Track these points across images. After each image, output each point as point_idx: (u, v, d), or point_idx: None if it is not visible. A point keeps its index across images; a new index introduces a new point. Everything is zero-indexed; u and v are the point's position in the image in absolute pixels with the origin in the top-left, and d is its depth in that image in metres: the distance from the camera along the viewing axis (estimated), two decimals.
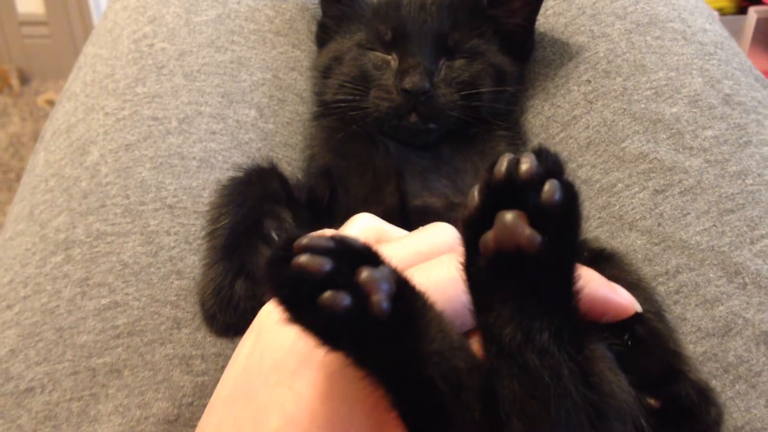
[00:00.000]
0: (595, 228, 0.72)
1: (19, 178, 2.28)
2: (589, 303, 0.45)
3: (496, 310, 0.41)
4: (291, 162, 0.80)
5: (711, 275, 0.65)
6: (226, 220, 0.65)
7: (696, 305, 0.64)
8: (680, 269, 0.66)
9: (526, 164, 0.39)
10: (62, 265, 0.68)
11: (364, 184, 0.71)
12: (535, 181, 0.38)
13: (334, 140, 0.76)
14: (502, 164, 0.39)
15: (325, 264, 0.37)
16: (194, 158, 0.75)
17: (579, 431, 0.40)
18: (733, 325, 0.63)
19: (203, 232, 0.68)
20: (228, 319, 0.62)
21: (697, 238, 0.67)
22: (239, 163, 0.76)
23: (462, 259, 0.43)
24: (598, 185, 0.74)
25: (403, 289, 0.41)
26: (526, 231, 0.38)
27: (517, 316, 0.40)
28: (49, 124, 0.85)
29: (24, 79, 2.68)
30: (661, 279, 0.67)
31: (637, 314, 0.53)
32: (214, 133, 0.77)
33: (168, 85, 0.79)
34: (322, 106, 0.81)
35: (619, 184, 0.73)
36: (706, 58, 0.79)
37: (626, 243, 0.70)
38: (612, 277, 0.59)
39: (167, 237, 0.69)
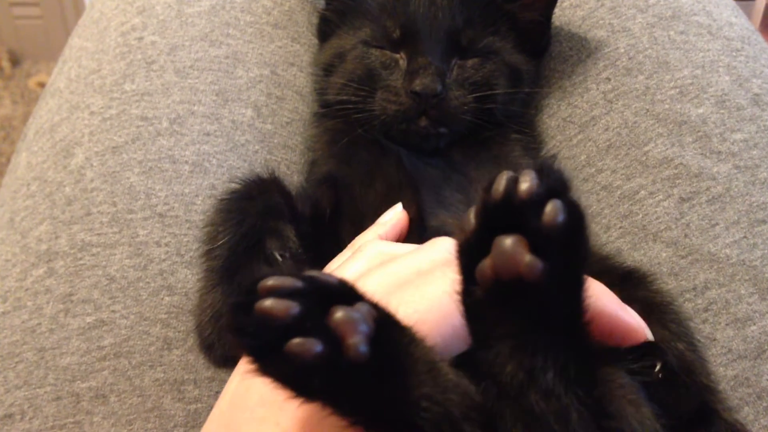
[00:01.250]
0: (616, 238, 0.67)
1: (9, 162, 2.24)
2: (596, 319, 0.41)
3: (495, 346, 0.37)
4: (290, 165, 0.75)
5: (742, 292, 0.61)
6: (225, 240, 0.59)
7: (726, 324, 0.60)
8: (709, 285, 0.62)
9: (526, 183, 0.35)
10: (44, 279, 0.63)
11: (372, 195, 0.66)
12: (536, 202, 0.35)
13: (337, 144, 0.71)
14: (500, 183, 0.36)
15: (291, 307, 0.34)
16: (186, 162, 0.69)
17: None
18: (766, 347, 0.58)
19: (200, 252, 0.63)
20: (226, 349, 0.57)
21: (727, 251, 0.63)
22: (235, 167, 0.71)
23: (458, 289, 0.39)
24: (619, 192, 0.69)
25: (384, 328, 0.37)
26: (527, 258, 0.34)
27: (519, 353, 0.36)
28: (32, 121, 0.80)
29: (15, 61, 2.62)
30: (688, 295, 0.62)
31: (669, 344, 0.49)
32: (207, 134, 0.72)
33: (158, 82, 0.74)
34: (325, 105, 0.76)
35: (642, 191, 0.68)
36: (734, 54, 0.74)
37: (650, 255, 0.65)
38: (642, 300, 0.54)
39: (157, 248, 0.64)
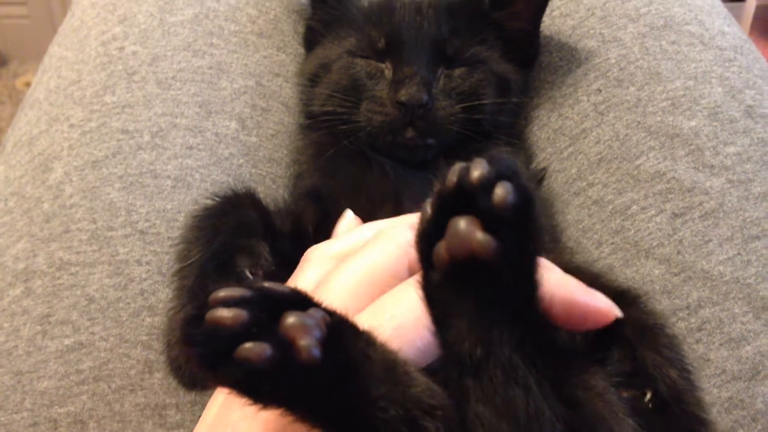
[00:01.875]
0: (608, 255, 0.66)
1: None
2: (567, 309, 0.43)
3: (455, 325, 0.39)
4: (276, 179, 0.73)
5: (736, 310, 0.60)
6: (195, 257, 0.57)
7: (720, 344, 0.59)
8: (702, 303, 0.61)
9: (477, 170, 0.37)
10: (21, 299, 0.62)
11: (357, 210, 0.64)
12: (487, 186, 0.36)
13: (323, 157, 0.69)
14: (454, 172, 0.37)
15: (240, 315, 0.35)
16: (169, 177, 0.68)
17: None
18: (761, 368, 0.57)
19: (171, 271, 0.61)
20: (193, 370, 0.55)
21: (720, 268, 0.62)
22: (219, 181, 0.69)
23: (419, 278, 0.41)
24: (610, 207, 0.68)
25: (338, 332, 0.37)
26: (479, 236, 0.36)
27: (476, 328, 0.38)
28: (10, 133, 0.78)
29: (2, 61, 2.60)
30: (681, 314, 0.61)
31: (660, 370, 0.48)
32: (190, 148, 0.70)
33: (140, 93, 0.72)
34: (310, 117, 0.74)
35: (634, 206, 0.67)
36: (726, 65, 0.73)
37: (643, 272, 0.64)
38: (634, 322, 0.53)
39: (138, 267, 0.63)
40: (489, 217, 0.36)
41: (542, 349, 0.38)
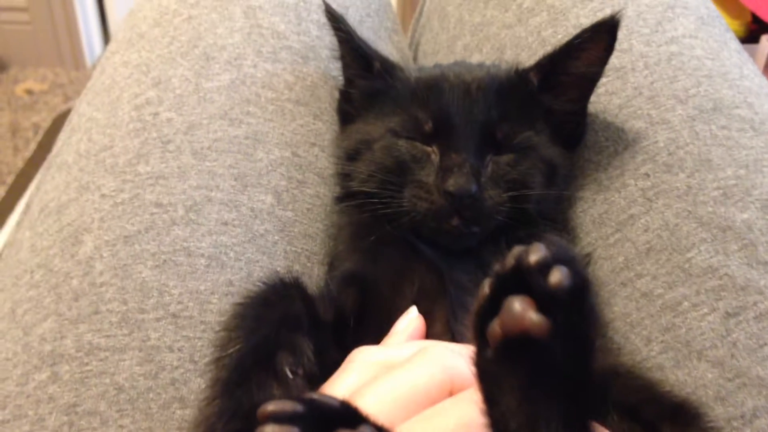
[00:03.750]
0: (657, 354, 0.63)
1: None
2: None
3: (504, 402, 0.40)
4: (311, 256, 0.71)
5: None
6: (234, 349, 0.54)
7: None
8: (758, 413, 0.58)
9: (535, 254, 0.39)
10: (47, 385, 0.59)
11: (401, 300, 0.62)
12: (544, 269, 0.38)
13: (362, 239, 0.67)
14: (512, 255, 0.40)
15: None
16: (202, 255, 0.65)
17: None
18: None
19: (209, 359, 0.58)
20: None
21: None
22: (254, 260, 0.67)
23: (473, 355, 0.42)
24: (660, 301, 0.65)
25: None
26: (532, 315, 0.38)
27: (525, 406, 0.39)
28: (36, 195, 0.75)
29: (2, 67, 2.60)
30: (735, 423, 0.58)
31: None
32: (225, 223, 0.68)
33: (174, 164, 0.70)
34: (348, 193, 0.72)
35: (686, 303, 0.64)
36: None
37: (695, 375, 0.61)
38: None
39: (170, 354, 0.60)
40: (544, 299, 0.38)
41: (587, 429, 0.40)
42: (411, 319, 0.58)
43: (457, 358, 0.49)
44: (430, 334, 0.59)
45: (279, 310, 0.57)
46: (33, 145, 2.35)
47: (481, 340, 0.41)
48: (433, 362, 0.49)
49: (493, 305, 0.40)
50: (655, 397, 0.56)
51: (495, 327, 0.39)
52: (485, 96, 0.68)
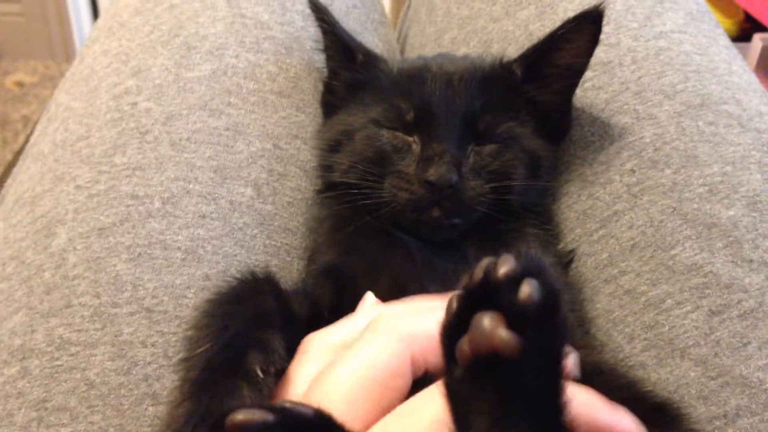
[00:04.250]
0: (640, 351, 0.63)
1: None
2: (591, 428, 0.43)
3: (474, 425, 0.38)
4: (291, 251, 0.69)
5: None
6: (203, 348, 0.52)
7: None
8: (740, 412, 0.57)
9: (504, 266, 0.37)
10: (17, 380, 0.58)
11: (377, 292, 0.60)
12: (513, 283, 0.37)
13: (341, 231, 0.66)
14: (480, 268, 0.38)
15: None
16: (179, 248, 0.64)
17: None
18: None
19: (178, 359, 0.57)
20: None
21: (760, 374, 0.58)
22: (231, 254, 0.65)
23: (444, 375, 0.40)
24: (644, 299, 0.64)
25: None
26: (502, 332, 0.36)
27: (496, 428, 0.38)
28: (11, 186, 0.74)
29: None
30: (718, 423, 0.58)
31: None
32: (203, 216, 0.66)
33: (152, 155, 0.68)
34: (329, 185, 0.71)
35: (669, 300, 0.63)
36: (765, 149, 0.70)
37: (677, 374, 0.60)
38: None
39: (143, 349, 0.59)
40: (514, 314, 0.36)
41: None
42: (370, 304, 0.56)
43: (412, 318, 0.48)
44: None
45: (249, 307, 0.55)
46: (22, 138, 2.33)
47: (449, 359, 0.39)
48: (387, 333, 0.47)
49: (462, 321, 0.38)
50: (636, 396, 0.55)
51: (463, 345, 0.38)
52: (468, 87, 0.67)
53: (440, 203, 0.63)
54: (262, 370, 0.50)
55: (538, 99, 0.70)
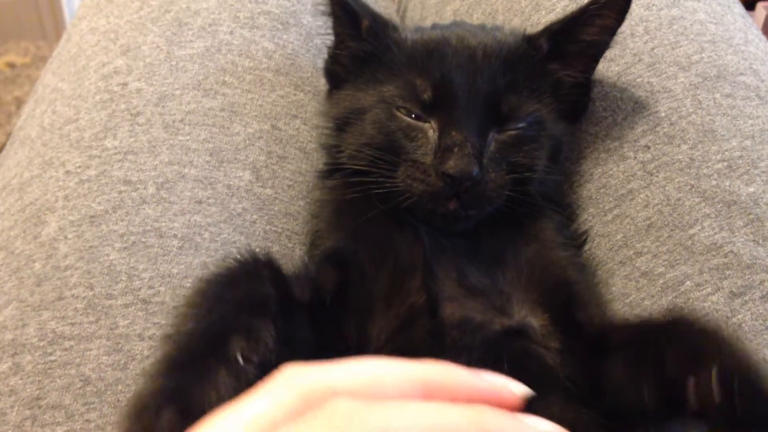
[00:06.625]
0: None
1: None
2: None
3: None
4: (292, 236, 0.67)
5: None
6: (187, 327, 0.48)
7: None
8: None
9: None
10: (9, 377, 0.55)
11: (383, 277, 0.57)
12: None
13: (346, 215, 0.62)
14: None
15: None
16: (175, 236, 0.61)
17: None
18: None
19: (162, 334, 0.53)
20: None
21: None
22: (230, 241, 0.63)
23: None
24: (661, 280, 0.62)
25: None
26: None
27: None
28: None
29: None
30: None
31: None
32: (199, 202, 0.63)
33: (144, 138, 0.65)
34: (334, 167, 0.67)
35: (688, 282, 0.61)
36: None
37: None
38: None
39: (139, 343, 0.56)
40: None
41: None
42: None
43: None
44: (407, 308, 0.56)
45: (243, 291, 0.51)
46: (15, 120, 2.29)
47: None
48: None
49: None
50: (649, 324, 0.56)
51: None
52: (491, 64, 0.61)
53: (458, 195, 0.58)
54: (244, 357, 0.46)
55: (561, 78, 0.66)
